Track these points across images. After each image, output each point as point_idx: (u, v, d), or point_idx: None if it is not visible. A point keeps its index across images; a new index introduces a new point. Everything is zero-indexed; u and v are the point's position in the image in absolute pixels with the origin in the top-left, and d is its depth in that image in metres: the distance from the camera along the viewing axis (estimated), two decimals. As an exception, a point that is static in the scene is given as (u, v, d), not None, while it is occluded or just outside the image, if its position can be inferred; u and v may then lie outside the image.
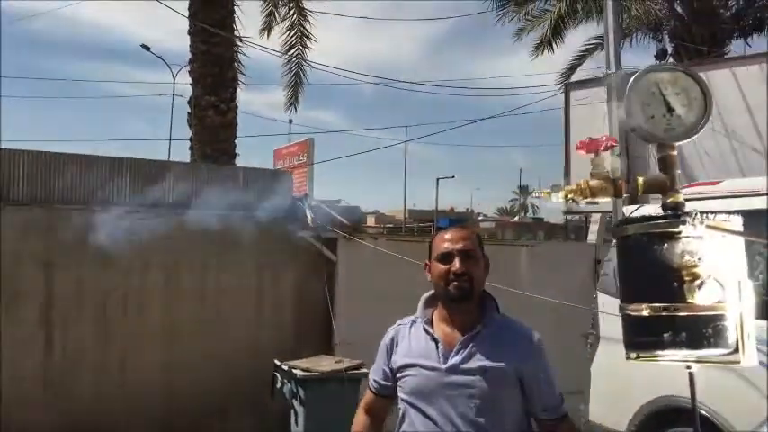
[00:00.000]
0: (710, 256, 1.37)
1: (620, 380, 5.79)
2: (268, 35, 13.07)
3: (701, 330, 1.36)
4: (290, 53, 12.75)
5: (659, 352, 1.42)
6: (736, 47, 15.61)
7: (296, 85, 13.21)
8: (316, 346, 7.59)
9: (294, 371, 6.78)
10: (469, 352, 2.42)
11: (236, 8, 11.53)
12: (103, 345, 7.20)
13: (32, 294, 6.96)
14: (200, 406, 7.31)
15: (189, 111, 10.97)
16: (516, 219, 47.58)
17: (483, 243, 2.57)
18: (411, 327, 2.60)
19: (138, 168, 7.54)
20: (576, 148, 1.59)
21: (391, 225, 35.63)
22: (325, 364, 7.02)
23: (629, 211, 6.52)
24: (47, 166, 7.19)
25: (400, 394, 2.54)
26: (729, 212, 1.42)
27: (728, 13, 15.63)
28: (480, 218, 45.67)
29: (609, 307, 6.09)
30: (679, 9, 15.67)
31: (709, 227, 1.35)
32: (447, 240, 2.50)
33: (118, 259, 7.27)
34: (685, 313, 1.36)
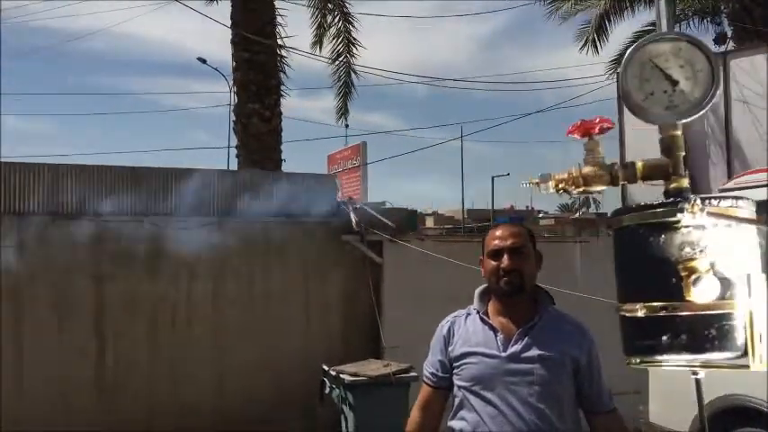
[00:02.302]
0: (715, 247, 1.21)
1: (680, 379, 5.54)
2: (320, 48, 13.04)
3: (704, 332, 1.20)
4: (338, 61, 12.71)
5: (658, 356, 1.26)
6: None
7: (345, 94, 13.15)
8: (364, 351, 7.52)
9: (342, 376, 6.72)
10: (528, 341, 2.49)
11: (279, 17, 11.59)
12: (154, 354, 7.29)
13: (84, 305, 7.11)
14: (251, 413, 7.32)
15: (233, 119, 11.07)
16: (578, 215, 46.60)
17: (535, 239, 2.63)
18: (466, 318, 2.66)
19: (183, 178, 7.61)
20: (568, 132, 1.45)
21: (450, 225, 35.32)
22: (373, 368, 6.93)
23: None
24: (93, 180, 7.31)
25: (458, 382, 2.58)
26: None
27: (793, -8, 14.93)
28: (541, 215, 44.90)
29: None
30: (739, -9, 15.07)
31: (710, 214, 1.19)
32: (497, 237, 2.57)
33: (166, 269, 7.36)
34: (685, 313, 1.20)
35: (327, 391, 7.02)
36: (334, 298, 7.97)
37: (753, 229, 1.24)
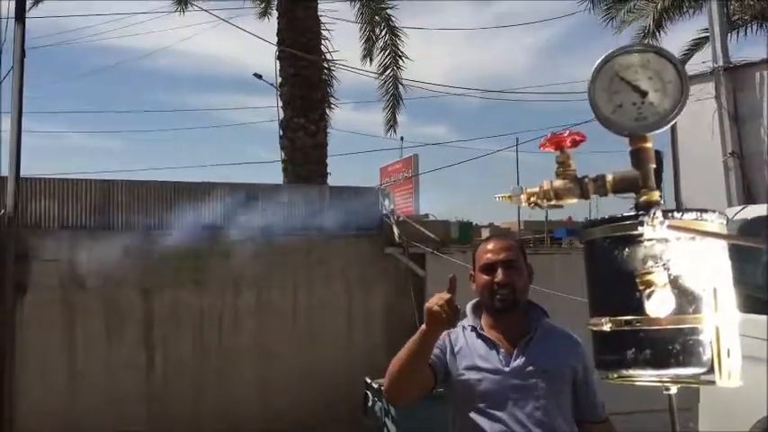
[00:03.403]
0: (681, 261, 1.19)
1: (732, 394, 5.39)
2: (370, 61, 13.20)
3: (668, 347, 1.18)
4: (385, 74, 12.83)
5: (624, 371, 1.24)
6: None
7: (393, 106, 13.26)
8: (407, 364, 7.52)
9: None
10: (529, 355, 2.46)
11: (326, 31, 11.79)
12: (201, 364, 7.46)
13: (133, 316, 7.33)
14: (296, 424, 7.40)
15: (280, 134, 11.28)
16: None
17: (526, 252, 2.59)
18: (464, 333, 2.58)
19: (229, 192, 7.77)
20: (540, 146, 1.45)
21: (506, 237, 34.74)
22: (415, 381, 6.93)
23: (733, 212, 6.09)
24: (142, 194, 7.54)
25: (461, 399, 2.50)
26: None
27: None
28: (600, 226, 44.01)
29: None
30: (801, -6, 14.60)
31: (671, 227, 1.16)
32: (490, 251, 2.52)
33: (213, 282, 7.53)
34: (650, 327, 1.18)
35: (370, 403, 7.04)
36: (377, 310, 8.02)
37: (721, 241, 1.21)
